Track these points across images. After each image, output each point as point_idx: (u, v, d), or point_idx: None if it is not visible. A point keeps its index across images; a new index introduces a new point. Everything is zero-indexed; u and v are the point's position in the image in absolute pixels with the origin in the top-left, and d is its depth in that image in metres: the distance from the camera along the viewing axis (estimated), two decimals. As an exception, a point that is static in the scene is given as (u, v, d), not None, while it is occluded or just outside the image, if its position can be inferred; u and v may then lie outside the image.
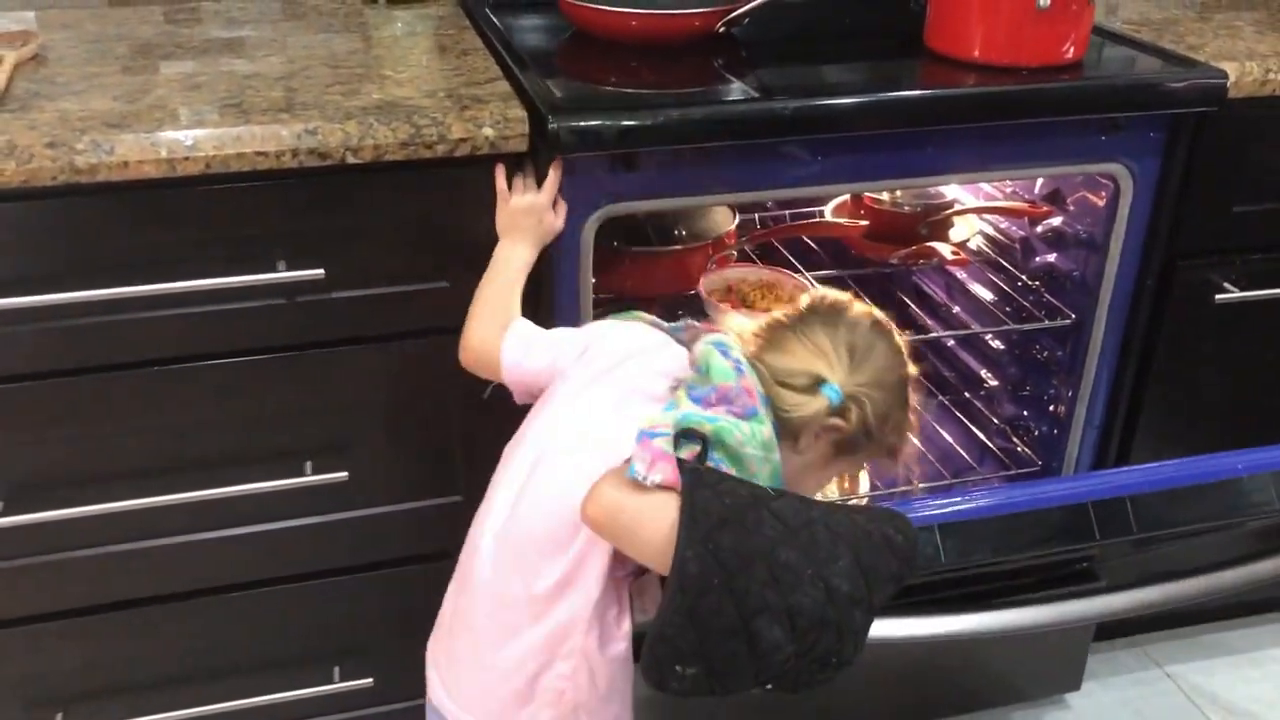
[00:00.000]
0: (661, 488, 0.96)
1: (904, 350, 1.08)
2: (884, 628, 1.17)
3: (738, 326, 1.13)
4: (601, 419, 1.07)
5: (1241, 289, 1.52)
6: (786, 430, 1.03)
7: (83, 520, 1.25)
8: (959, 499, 1.12)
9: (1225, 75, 1.38)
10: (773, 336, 1.08)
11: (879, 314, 1.10)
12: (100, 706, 1.38)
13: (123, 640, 1.36)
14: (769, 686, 0.95)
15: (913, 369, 1.09)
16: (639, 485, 0.96)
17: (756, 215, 1.87)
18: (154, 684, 1.40)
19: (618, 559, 1.03)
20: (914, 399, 1.10)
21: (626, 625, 1.07)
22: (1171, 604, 1.19)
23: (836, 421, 1.03)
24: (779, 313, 1.11)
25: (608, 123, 1.20)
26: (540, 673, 1.06)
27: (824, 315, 1.07)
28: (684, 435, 0.98)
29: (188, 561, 1.33)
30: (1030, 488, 1.14)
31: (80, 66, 1.31)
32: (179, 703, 1.40)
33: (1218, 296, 1.52)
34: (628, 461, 0.97)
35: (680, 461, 0.96)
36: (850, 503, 1.16)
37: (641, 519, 0.95)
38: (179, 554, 1.32)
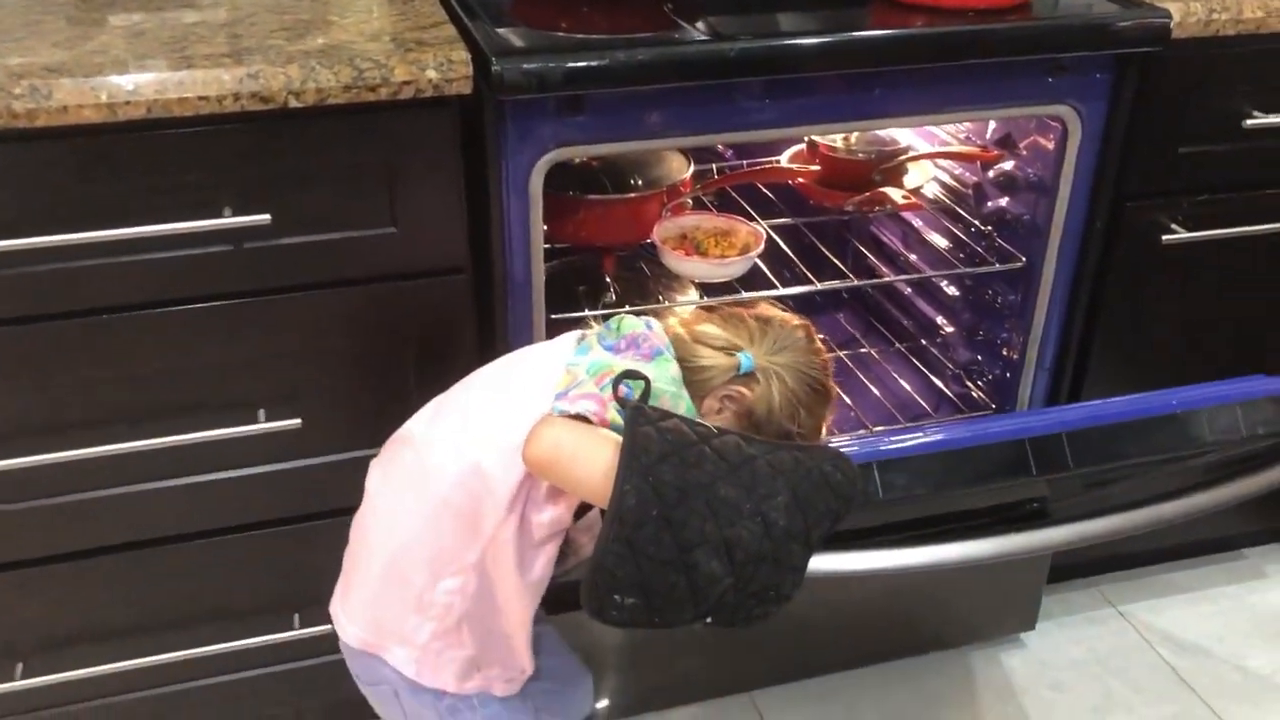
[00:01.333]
0: (600, 422, 0.99)
1: (826, 361, 1.16)
2: (833, 562, 1.18)
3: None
4: (517, 371, 1.15)
5: (1189, 230, 1.54)
6: (694, 392, 1.09)
7: (35, 470, 1.25)
8: (899, 436, 1.13)
9: (1169, 15, 1.39)
10: (705, 316, 1.16)
11: (809, 325, 1.18)
12: (60, 656, 1.39)
13: (81, 590, 1.37)
14: (709, 620, 0.97)
15: (832, 385, 1.17)
16: (575, 422, 0.99)
17: (714, 166, 1.87)
18: (114, 633, 1.41)
19: (532, 501, 1.07)
20: (828, 411, 1.18)
21: (537, 563, 1.10)
22: (1109, 537, 1.21)
23: (740, 389, 1.10)
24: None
25: (551, 64, 1.20)
26: (426, 588, 1.10)
27: (758, 316, 1.16)
28: (628, 376, 1.01)
29: (144, 510, 1.34)
30: (970, 425, 1.16)
31: (22, 14, 1.30)
32: (140, 651, 1.41)
33: (1165, 238, 1.53)
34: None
35: (622, 400, 0.99)
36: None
37: (579, 454, 0.98)
38: (135, 503, 1.33)
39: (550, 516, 1.07)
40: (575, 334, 1.15)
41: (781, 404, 1.13)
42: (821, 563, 1.13)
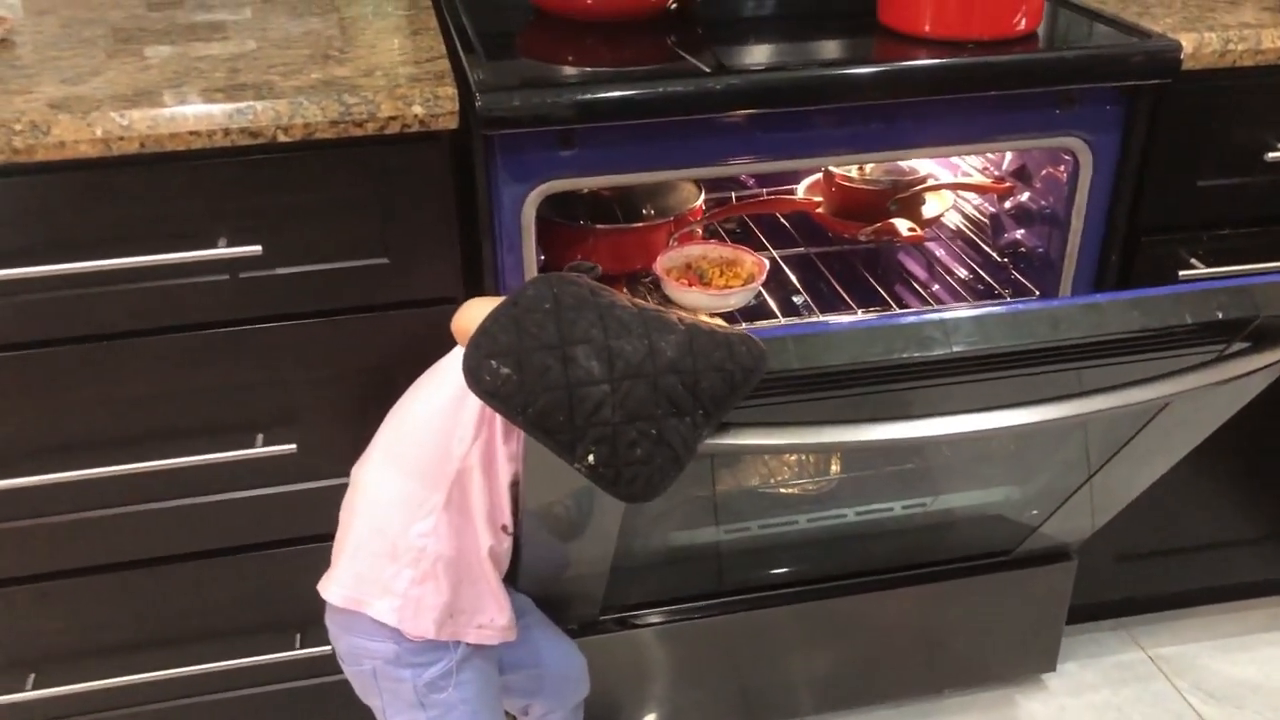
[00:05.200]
0: None
1: None
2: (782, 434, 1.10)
3: None
4: None
5: (1207, 265, 1.49)
6: None
7: (39, 490, 1.30)
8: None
9: (1179, 46, 1.35)
10: None
11: None
12: (71, 668, 1.43)
13: (92, 604, 1.42)
14: (590, 455, 0.98)
15: None
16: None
17: (733, 195, 1.87)
18: (123, 647, 1.45)
19: (493, 431, 1.15)
20: None
21: (503, 499, 1.18)
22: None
23: None
24: None
25: (534, 100, 1.21)
26: (400, 534, 1.17)
27: None
28: (578, 269, 1.09)
29: (145, 530, 1.38)
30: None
31: (43, 50, 1.36)
32: (147, 665, 1.45)
33: (1182, 273, 1.49)
34: None
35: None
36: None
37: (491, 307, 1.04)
38: (136, 523, 1.37)
39: (514, 450, 1.14)
40: None
41: None
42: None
